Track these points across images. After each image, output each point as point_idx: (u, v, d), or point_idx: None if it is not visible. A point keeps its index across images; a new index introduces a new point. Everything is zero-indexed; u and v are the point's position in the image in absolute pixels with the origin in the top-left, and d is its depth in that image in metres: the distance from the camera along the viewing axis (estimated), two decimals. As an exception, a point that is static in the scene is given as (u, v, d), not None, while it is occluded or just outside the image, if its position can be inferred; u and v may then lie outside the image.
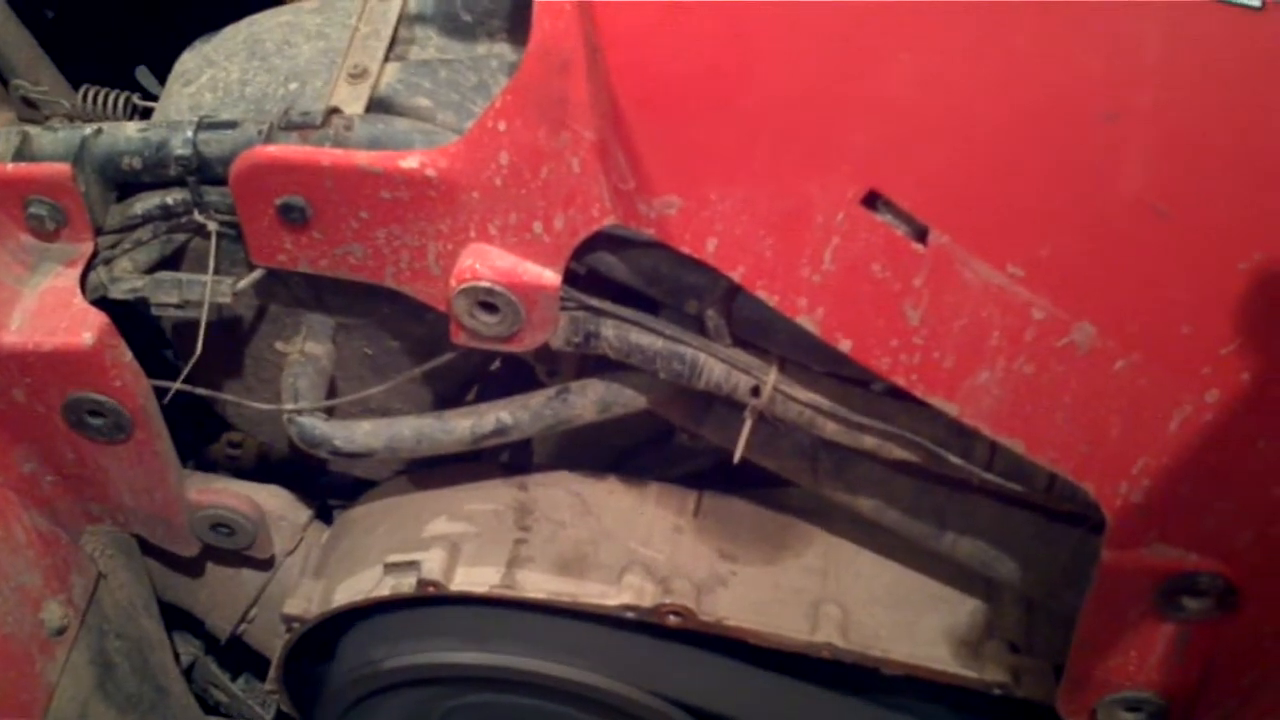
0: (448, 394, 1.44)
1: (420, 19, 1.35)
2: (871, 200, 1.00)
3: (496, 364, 1.44)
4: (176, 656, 1.60)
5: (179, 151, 1.21)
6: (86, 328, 1.20)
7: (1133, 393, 1.00)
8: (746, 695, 1.35)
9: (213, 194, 1.23)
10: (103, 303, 1.24)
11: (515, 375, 1.40)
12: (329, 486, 1.65)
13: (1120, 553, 1.08)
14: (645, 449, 1.49)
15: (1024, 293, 0.99)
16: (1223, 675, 1.17)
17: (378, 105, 1.25)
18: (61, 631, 1.33)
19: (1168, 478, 1.03)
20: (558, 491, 1.39)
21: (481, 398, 1.35)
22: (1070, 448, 1.04)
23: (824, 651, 1.28)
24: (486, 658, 1.34)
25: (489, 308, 1.15)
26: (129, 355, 1.23)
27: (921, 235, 0.99)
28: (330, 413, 1.32)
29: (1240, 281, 0.94)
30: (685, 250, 1.06)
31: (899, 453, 1.18)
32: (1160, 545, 1.08)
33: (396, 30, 1.32)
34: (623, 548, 1.34)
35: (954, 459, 1.15)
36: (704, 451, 1.44)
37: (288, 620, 1.41)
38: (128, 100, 1.43)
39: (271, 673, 1.47)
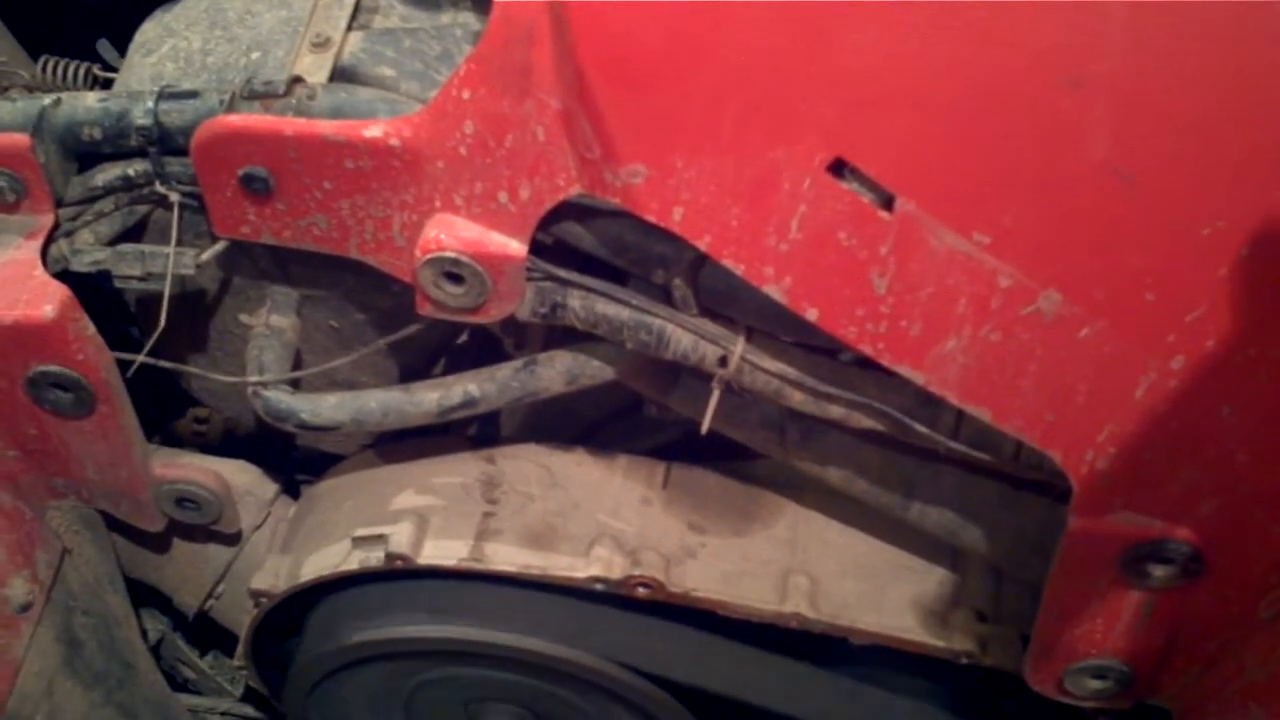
0: (414, 368, 1.43)
1: (384, -13, 1.34)
2: (838, 168, 0.99)
3: (464, 338, 1.44)
4: (144, 634, 1.60)
5: (140, 121, 1.20)
6: (48, 300, 1.19)
7: (1098, 360, 1.00)
8: (717, 667, 1.35)
9: (174, 165, 1.22)
10: (64, 276, 1.23)
11: (483, 349, 1.40)
12: (296, 462, 1.64)
13: (1086, 520, 1.09)
14: (614, 422, 1.49)
15: (990, 260, 0.98)
16: (1187, 642, 1.17)
17: (341, 74, 1.24)
18: (26, 608, 1.32)
19: (1134, 445, 1.03)
20: (526, 464, 1.39)
21: (448, 372, 1.34)
22: (1036, 416, 1.04)
23: (792, 622, 1.28)
24: (456, 631, 1.33)
25: (455, 278, 1.14)
26: (92, 328, 1.22)
27: (888, 203, 0.99)
28: (296, 386, 1.31)
29: (1205, 248, 0.94)
30: (652, 219, 1.05)
31: (866, 422, 1.17)
32: (1126, 513, 1.08)
33: (360, -1, 1.31)
34: (591, 520, 1.34)
35: (921, 428, 1.15)
36: (672, 424, 1.44)
37: (255, 595, 1.40)
38: (88, 71, 1.41)
39: (239, 648, 1.47)
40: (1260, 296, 0.95)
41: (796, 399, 1.18)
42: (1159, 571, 1.11)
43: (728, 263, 1.05)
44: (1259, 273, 0.94)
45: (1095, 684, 1.21)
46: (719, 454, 1.40)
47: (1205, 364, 0.98)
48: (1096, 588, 1.14)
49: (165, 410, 1.71)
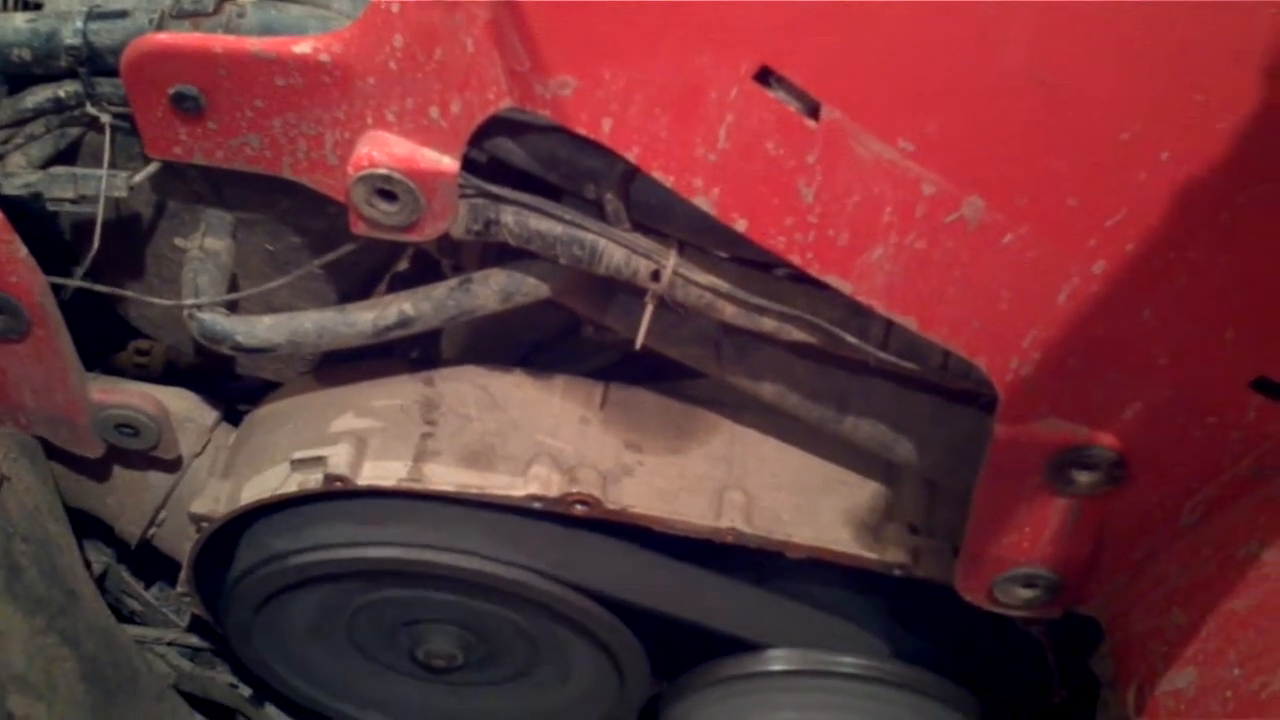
0: (352, 293, 1.43)
1: (315, -95, 1.33)
2: (765, 77, 0.99)
3: (403, 264, 1.44)
4: (88, 565, 1.59)
5: (69, 41, 1.19)
6: (-22, 222, 1.18)
7: (1021, 266, 1.01)
8: (655, 583, 1.37)
9: (105, 85, 1.21)
10: (-5, 199, 1.22)
11: (422, 278, 1.39)
12: (238, 392, 1.64)
13: (1012, 427, 1.10)
14: (553, 345, 1.49)
15: (915, 168, 0.99)
16: (1114, 549, 1.19)
17: (272, -8, 1.24)
18: (-37, 532, 1.32)
19: (1057, 350, 1.05)
20: (464, 386, 1.39)
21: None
22: (961, 323, 1.06)
23: (728, 536, 1.30)
24: (395, 551, 1.34)
25: (388, 195, 1.14)
26: (24, 250, 1.22)
27: (814, 111, 0.99)
28: (233, 310, 1.31)
29: (1124, 153, 0.95)
30: (581, 131, 1.05)
31: (798, 335, 1.19)
32: (1051, 419, 1.10)
33: (291, -83, 1.30)
34: (530, 440, 1.34)
35: (850, 339, 1.16)
36: (610, 346, 1.44)
37: (196, 520, 1.40)
38: (16, -1, 1.40)
39: (182, 574, 1.47)
40: (1178, 200, 0.96)
41: (729, 312, 1.19)
42: (1083, 478, 1.13)
43: (657, 174, 1.06)
44: (1176, 176, 0.95)
45: (1025, 593, 1.24)
46: (657, 376, 1.41)
47: (1126, 268, 0.99)
48: (1023, 496, 1.16)
49: (106, 342, 1.70)
